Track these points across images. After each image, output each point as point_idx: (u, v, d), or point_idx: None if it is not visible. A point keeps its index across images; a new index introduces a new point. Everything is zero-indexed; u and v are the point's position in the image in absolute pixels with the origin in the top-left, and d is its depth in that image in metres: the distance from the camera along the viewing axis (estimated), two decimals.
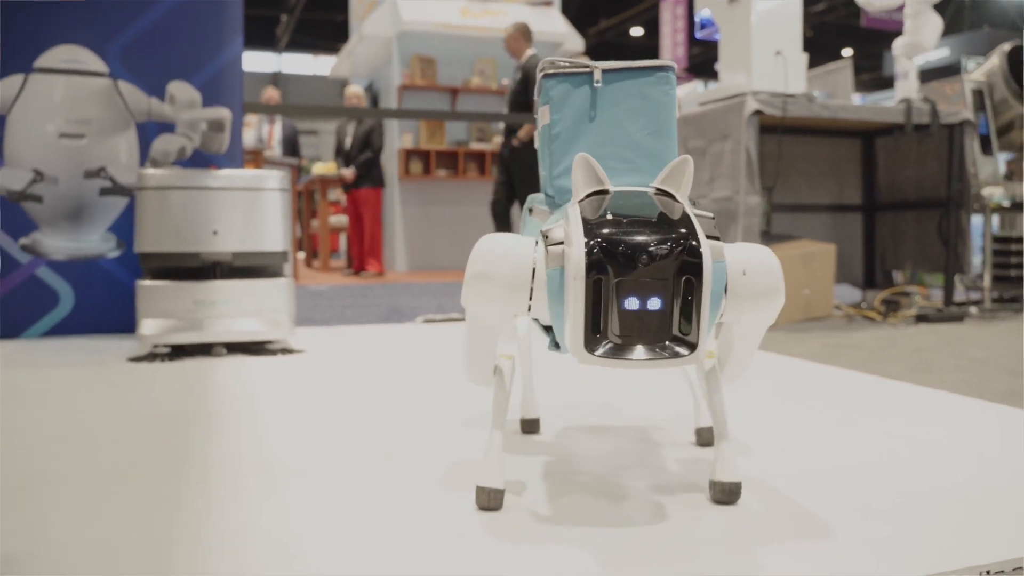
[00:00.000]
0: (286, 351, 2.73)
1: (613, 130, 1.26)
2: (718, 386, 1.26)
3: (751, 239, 3.48)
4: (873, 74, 18.69)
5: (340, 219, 8.91)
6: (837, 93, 4.17)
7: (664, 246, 0.98)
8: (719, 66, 4.02)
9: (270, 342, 2.78)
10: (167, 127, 3.18)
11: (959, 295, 4.20)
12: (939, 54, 16.21)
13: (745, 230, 3.50)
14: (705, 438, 1.55)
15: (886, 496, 1.25)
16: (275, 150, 7.36)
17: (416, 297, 5.05)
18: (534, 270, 1.08)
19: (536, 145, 1.46)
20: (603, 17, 18.66)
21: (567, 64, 1.26)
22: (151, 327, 2.61)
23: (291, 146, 7.56)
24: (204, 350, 2.68)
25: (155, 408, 1.89)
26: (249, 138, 7.11)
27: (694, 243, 0.99)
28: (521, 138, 5.22)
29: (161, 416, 1.80)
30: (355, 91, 7.60)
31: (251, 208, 2.73)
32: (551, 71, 1.27)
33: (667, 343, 0.98)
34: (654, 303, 0.98)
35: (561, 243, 1.07)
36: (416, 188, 8.36)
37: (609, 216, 1.04)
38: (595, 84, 1.25)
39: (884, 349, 2.88)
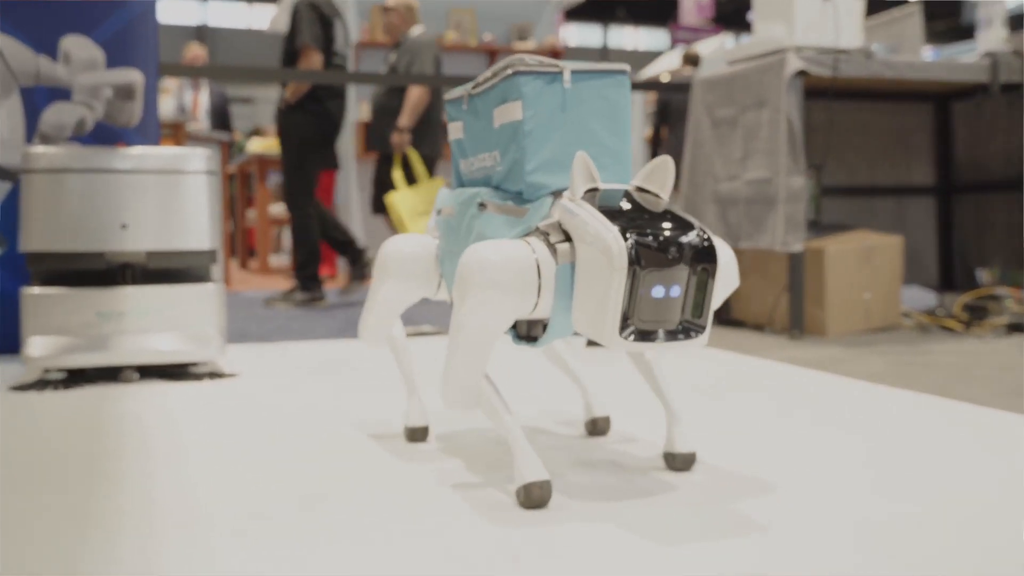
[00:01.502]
0: (215, 375, 2.73)
1: (580, 129, 1.58)
2: (660, 369, 1.69)
3: (795, 230, 3.48)
4: (949, 22, 18.82)
5: (282, 208, 8.89)
6: (903, 47, 4.18)
7: (686, 238, 1.32)
8: (753, 15, 4.02)
9: (194, 364, 2.78)
10: (61, 93, 3.15)
11: None
12: None
13: (787, 219, 3.49)
14: (600, 427, 1.96)
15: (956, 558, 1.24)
16: (200, 122, 7.35)
17: None
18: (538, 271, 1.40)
19: (453, 137, 1.84)
20: None
21: (537, 63, 1.56)
22: (41, 347, 2.60)
23: (221, 117, 7.55)
24: (110, 375, 2.67)
25: (46, 449, 1.87)
26: (168, 108, 7.10)
27: (707, 236, 1.34)
28: (288, 100, 5.13)
29: (53, 459, 1.79)
30: None
31: (169, 196, 2.72)
32: (523, 68, 1.55)
33: (683, 326, 1.34)
34: (675, 291, 1.32)
35: (566, 240, 1.39)
36: None
37: (623, 209, 1.36)
38: (565, 84, 1.57)
39: (967, 367, 2.89)
